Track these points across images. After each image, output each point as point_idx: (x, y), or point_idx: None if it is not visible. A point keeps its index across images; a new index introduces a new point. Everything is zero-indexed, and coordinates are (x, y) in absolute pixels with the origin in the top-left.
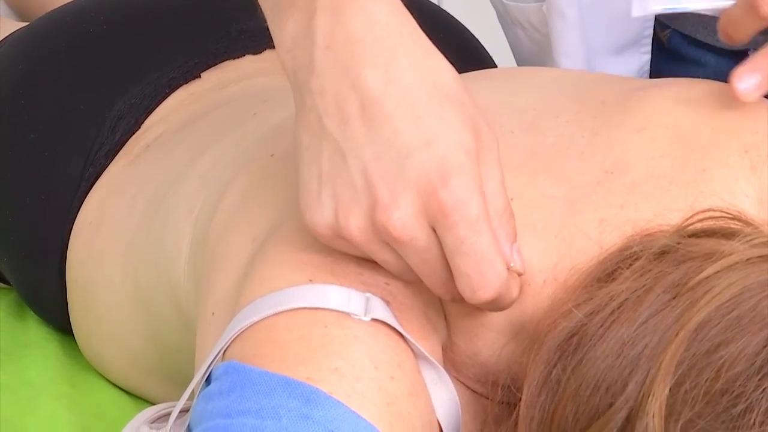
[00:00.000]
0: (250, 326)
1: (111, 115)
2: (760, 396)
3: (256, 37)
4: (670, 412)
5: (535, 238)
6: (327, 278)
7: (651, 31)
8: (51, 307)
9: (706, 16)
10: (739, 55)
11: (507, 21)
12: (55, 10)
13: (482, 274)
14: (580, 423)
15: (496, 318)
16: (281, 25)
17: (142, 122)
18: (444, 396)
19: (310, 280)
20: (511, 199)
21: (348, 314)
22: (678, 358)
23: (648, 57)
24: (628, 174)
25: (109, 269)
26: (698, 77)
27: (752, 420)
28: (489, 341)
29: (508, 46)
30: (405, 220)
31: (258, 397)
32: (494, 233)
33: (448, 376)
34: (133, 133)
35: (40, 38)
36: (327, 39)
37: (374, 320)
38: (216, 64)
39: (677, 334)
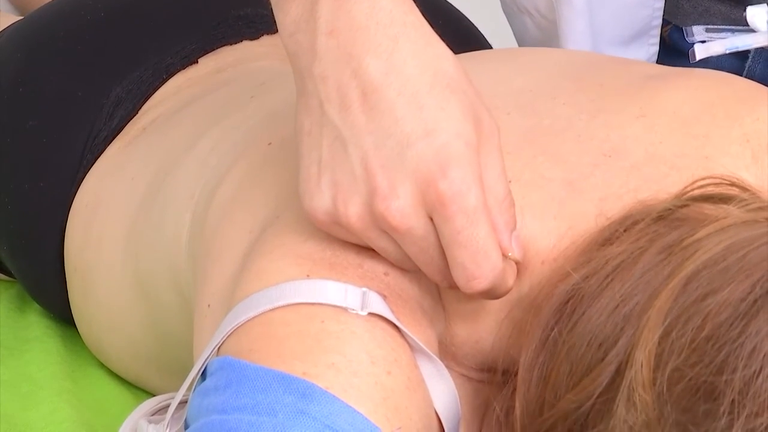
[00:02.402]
0: (247, 321)
1: (109, 102)
2: (744, 340)
3: (253, 23)
4: (658, 363)
5: (533, 220)
6: (325, 273)
7: (659, 22)
8: (52, 295)
9: (707, 11)
10: (740, 53)
11: (513, 9)
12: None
13: (477, 265)
14: (573, 379)
15: (496, 303)
16: (284, 8)
17: (140, 108)
18: (442, 389)
19: (308, 276)
20: (510, 182)
21: (345, 309)
22: (666, 309)
23: (656, 49)
24: (627, 158)
25: (108, 254)
26: None
27: (736, 364)
28: (489, 326)
29: (506, 35)
30: (403, 209)
31: (254, 392)
32: (492, 224)
33: (446, 369)
34: (131, 119)
35: (39, 26)
36: (330, 24)
37: (371, 315)
38: (213, 50)
39: (666, 286)
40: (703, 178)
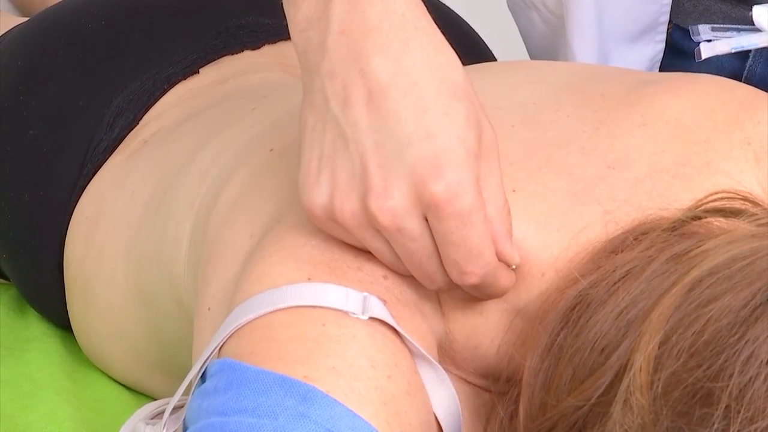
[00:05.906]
0: (247, 323)
1: (109, 111)
2: (742, 346)
3: (254, 33)
4: (656, 367)
5: (536, 231)
6: (325, 277)
7: (667, 18)
8: (50, 304)
9: (708, 10)
10: (740, 53)
11: (520, 6)
12: (54, 5)
13: (468, 262)
14: (574, 383)
15: (493, 310)
16: (296, 4)
17: (141, 118)
18: (442, 394)
19: (309, 279)
20: (513, 191)
21: (346, 313)
22: (668, 315)
23: (662, 46)
24: (630, 169)
25: (109, 265)
26: (700, 72)
27: (733, 370)
28: (488, 332)
29: (508, 42)
30: (394, 209)
31: (254, 395)
32: (486, 226)
33: (446, 374)
34: (132, 129)
35: (39, 34)
36: (342, 24)
37: (372, 319)
38: (214, 60)
39: (669, 292)
40: (716, 192)
